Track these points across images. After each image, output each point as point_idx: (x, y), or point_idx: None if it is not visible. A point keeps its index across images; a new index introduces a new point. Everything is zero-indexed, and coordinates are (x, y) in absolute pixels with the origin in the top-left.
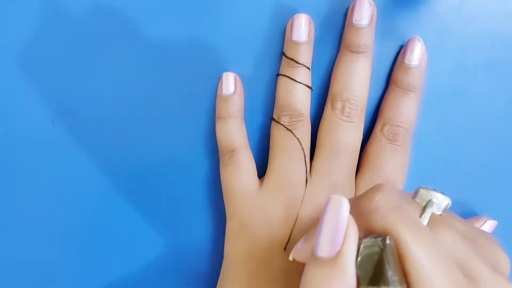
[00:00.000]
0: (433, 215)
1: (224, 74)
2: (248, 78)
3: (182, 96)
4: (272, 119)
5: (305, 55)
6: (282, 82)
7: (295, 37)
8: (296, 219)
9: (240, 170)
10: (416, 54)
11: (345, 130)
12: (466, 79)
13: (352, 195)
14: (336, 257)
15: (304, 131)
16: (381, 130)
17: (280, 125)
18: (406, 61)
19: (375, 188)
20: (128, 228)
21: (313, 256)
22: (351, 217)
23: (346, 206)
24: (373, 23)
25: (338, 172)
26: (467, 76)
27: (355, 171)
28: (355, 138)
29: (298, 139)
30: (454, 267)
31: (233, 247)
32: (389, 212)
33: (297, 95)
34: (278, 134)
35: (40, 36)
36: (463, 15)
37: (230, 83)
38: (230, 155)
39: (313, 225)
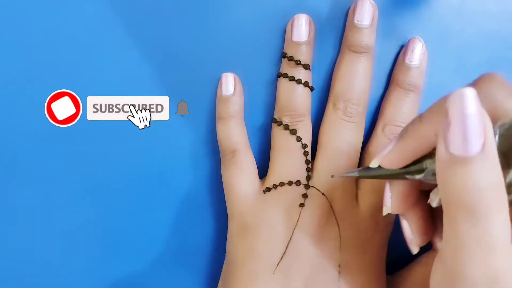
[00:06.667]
0: None
1: (224, 75)
2: (248, 78)
3: (182, 97)
4: (273, 119)
5: (305, 55)
6: (283, 82)
7: (295, 37)
8: (298, 219)
9: (241, 171)
10: (417, 54)
11: (347, 130)
12: (466, 79)
13: (354, 194)
14: (483, 150)
15: (305, 131)
16: (382, 130)
17: (281, 125)
18: (407, 61)
19: (486, 75)
20: (128, 228)
21: (451, 157)
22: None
23: (475, 99)
24: (374, 24)
25: (340, 172)
26: (467, 76)
27: None
28: (357, 138)
29: (299, 139)
30: None
31: (235, 247)
32: None
33: (298, 96)
34: (279, 135)
35: (40, 35)
36: (463, 15)
37: (229, 83)
38: (231, 155)
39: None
